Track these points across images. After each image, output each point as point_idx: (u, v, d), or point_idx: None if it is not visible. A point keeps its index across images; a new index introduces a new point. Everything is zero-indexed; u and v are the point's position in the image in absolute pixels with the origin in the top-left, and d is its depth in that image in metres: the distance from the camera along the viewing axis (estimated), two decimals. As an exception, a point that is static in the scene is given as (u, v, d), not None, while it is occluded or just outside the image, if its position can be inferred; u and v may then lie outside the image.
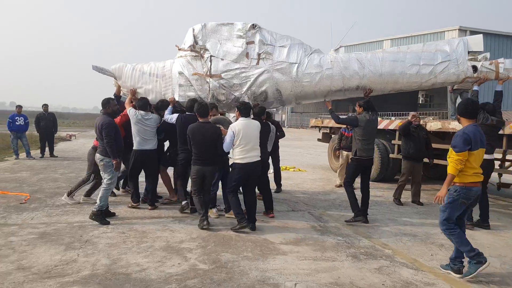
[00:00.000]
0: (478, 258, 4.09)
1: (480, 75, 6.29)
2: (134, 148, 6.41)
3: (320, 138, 13.48)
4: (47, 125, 13.45)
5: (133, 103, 6.60)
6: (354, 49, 27.33)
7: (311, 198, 7.80)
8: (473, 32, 18.72)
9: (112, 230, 5.36)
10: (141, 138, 6.40)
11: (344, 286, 3.82)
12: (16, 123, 12.82)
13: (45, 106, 13.79)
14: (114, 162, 5.82)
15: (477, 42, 6.53)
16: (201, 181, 5.68)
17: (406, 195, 7.86)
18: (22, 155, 13.19)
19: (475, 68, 6.28)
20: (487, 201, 6.14)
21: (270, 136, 6.98)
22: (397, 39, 23.00)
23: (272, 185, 7.57)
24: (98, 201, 5.74)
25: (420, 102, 10.69)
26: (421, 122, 7.71)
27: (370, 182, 6.42)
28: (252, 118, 5.93)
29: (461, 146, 4.03)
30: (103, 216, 5.72)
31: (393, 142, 9.38)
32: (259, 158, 5.68)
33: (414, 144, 7.43)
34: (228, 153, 5.91)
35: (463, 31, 18.59)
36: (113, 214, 6.02)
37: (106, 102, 6.08)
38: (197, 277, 3.90)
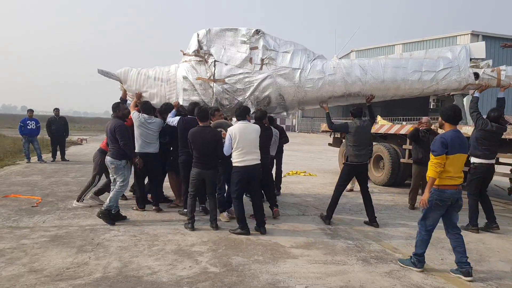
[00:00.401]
0: (418, 263, 4.42)
1: (482, 82, 6.29)
2: (136, 151, 6.48)
3: (331, 142, 13.46)
4: (58, 129, 13.60)
5: (138, 107, 6.71)
6: (366, 53, 27.28)
7: (321, 203, 7.79)
8: (486, 37, 18.60)
9: (123, 233, 5.41)
10: (143, 141, 6.51)
11: (354, 290, 3.81)
12: (28, 127, 12.99)
13: (56, 110, 13.96)
14: (137, 160, 6.11)
15: (479, 49, 6.54)
16: (200, 184, 5.79)
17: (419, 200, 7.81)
18: (34, 159, 13.36)
19: (476, 75, 6.28)
20: (490, 203, 6.16)
21: (273, 140, 7.12)
22: (409, 43, 22.91)
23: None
24: (108, 201, 5.86)
25: (431, 107, 10.68)
26: (433, 126, 7.65)
27: (380, 187, 6.41)
28: (254, 123, 6.01)
29: (439, 150, 4.23)
30: (110, 216, 5.84)
31: (404, 147, 9.34)
32: (258, 162, 5.72)
33: (423, 148, 7.39)
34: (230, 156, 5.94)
35: (475, 35, 18.48)
36: (124, 218, 6.07)
37: (116, 106, 6.27)
38: (208, 280, 3.92)
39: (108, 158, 6.02)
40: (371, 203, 6.26)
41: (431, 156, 4.28)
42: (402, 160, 9.51)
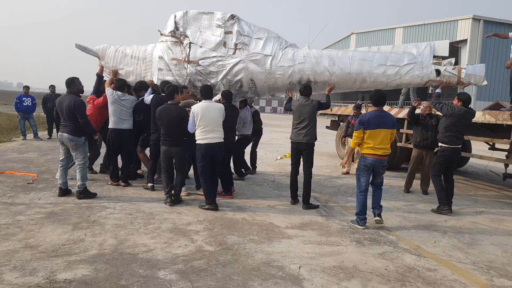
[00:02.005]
0: (360, 221, 5.25)
1: (443, 79, 6.47)
2: (110, 127, 6.66)
3: (329, 125, 13.48)
4: (54, 106, 13.47)
5: (113, 84, 6.80)
6: (366, 36, 27.02)
7: (317, 185, 7.83)
8: (487, 22, 18.40)
9: (119, 211, 5.42)
10: (117, 118, 6.62)
11: (347, 270, 3.86)
12: (24, 103, 12.89)
13: (52, 87, 13.80)
14: (97, 137, 6.22)
15: (443, 47, 6.70)
16: (169, 161, 5.96)
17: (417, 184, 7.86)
18: (30, 136, 13.29)
19: (438, 72, 6.45)
20: (452, 188, 6.35)
21: (248, 120, 7.73)
22: (409, 27, 22.65)
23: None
24: (79, 181, 5.95)
25: (430, 92, 10.65)
26: (433, 111, 7.64)
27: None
28: (223, 102, 6.26)
29: (357, 126, 5.33)
30: (89, 191, 6.06)
31: (401, 131, 9.35)
32: (221, 140, 5.83)
33: (421, 132, 7.41)
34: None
35: (476, 20, 18.28)
36: (94, 195, 6.13)
37: (71, 81, 6.11)
38: (203, 258, 3.96)
39: (66, 135, 5.93)
40: (308, 183, 6.13)
41: (354, 131, 5.35)
42: (398, 144, 9.53)
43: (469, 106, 6.21)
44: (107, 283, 3.35)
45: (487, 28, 18.30)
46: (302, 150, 6.16)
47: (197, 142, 5.77)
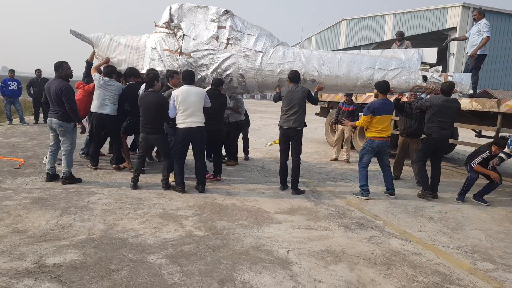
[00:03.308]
0: (364, 191, 6.10)
1: (429, 85, 6.53)
2: (91, 110, 6.73)
3: (318, 112, 13.51)
4: (40, 91, 13.22)
5: (102, 71, 6.82)
6: (357, 22, 26.93)
7: (306, 171, 7.88)
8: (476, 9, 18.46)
9: (108, 196, 5.41)
10: (100, 102, 6.66)
11: (334, 254, 3.92)
12: (9, 87, 12.67)
13: (38, 71, 13.56)
14: (80, 126, 6.13)
15: (431, 55, 6.78)
16: (146, 147, 6.14)
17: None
18: (16, 120, 13.09)
19: (425, 78, 6.52)
20: (438, 175, 6.44)
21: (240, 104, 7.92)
22: (400, 14, 22.61)
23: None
24: (65, 168, 5.91)
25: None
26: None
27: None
28: (211, 89, 6.37)
29: (365, 112, 6.10)
30: (74, 176, 6.04)
31: None
32: (201, 124, 5.87)
33: (405, 120, 7.44)
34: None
35: (466, 7, 18.31)
36: (79, 180, 6.10)
37: (59, 65, 6.01)
38: (192, 243, 3.98)
39: (54, 121, 5.86)
40: (297, 168, 6.21)
41: (362, 115, 6.19)
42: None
43: (452, 95, 6.28)
44: (97, 268, 3.36)
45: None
46: (291, 137, 6.19)
47: (177, 126, 5.83)
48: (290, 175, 6.30)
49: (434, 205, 5.97)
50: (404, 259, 3.91)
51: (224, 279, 3.28)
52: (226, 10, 6.87)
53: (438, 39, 18.57)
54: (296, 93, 6.09)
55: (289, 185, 6.29)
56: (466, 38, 8.62)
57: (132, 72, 6.87)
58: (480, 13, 8.06)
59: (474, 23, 8.24)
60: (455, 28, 18.57)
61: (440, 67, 6.85)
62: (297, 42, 7.53)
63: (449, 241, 4.50)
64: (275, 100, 6.52)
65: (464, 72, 8.63)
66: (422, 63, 6.69)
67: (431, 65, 6.89)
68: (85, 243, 3.84)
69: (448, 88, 6.20)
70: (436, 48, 6.91)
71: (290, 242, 4.15)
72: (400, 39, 10.15)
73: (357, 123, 6.44)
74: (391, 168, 7.69)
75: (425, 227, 4.92)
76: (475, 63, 8.10)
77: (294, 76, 6.20)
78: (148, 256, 3.63)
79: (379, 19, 24.35)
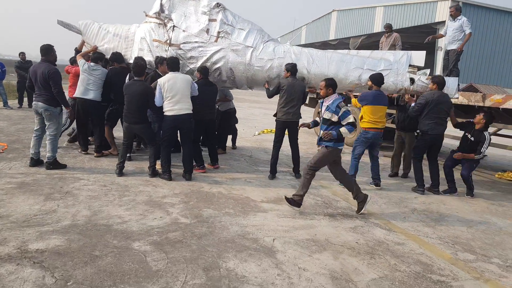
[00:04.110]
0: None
1: (416, 88, 6.55)
2: (75, 95, 6.67)
3: (307, 102, 13.50)
4: (27, 74, 13.01)
5: (89, 58, 6.77)
6: (347, 13, 26.87)
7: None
8: (466, 4, 18.52)
9: (93, 183, 5.36)
10: (84, 88, 6.59)
11: (319, 243, 3.96)
12: (-8, 71, 12.37)
13: (22, 54, 13.27)
14: (68, 110, 6.14)
15: (419, 57, 6.83)
16: (130, 135, 6.09)
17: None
18: (-1, 104, 12.84)
19: (412, 81, 6.55)
20: (436, 169, 6.45)
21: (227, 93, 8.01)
22: (390, 6, 22.62)
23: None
24: (49, 153, 5.82)
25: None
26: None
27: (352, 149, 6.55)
28: (201, 78, 6.33)
29: (360, 101, 6.25)
30: (57, 162, 5.95)
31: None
32: (189, 112, 5.85)
33: (400, 115, 7.39)
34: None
35: (455, 2, 18.42)
36: (64, 166, 6.03)
37: (48, 48, 5.90)
38: (178, 230, 3.98)
39: (41, 105, 5.76)
40: (298, 156, 6.63)
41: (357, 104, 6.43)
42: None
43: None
44: (81, 254, 3.33)
45: (465, 10, 18.50)
46: (289, 128, 6.35)
47: (164, 114, 5.79)
48: (280, 165, 6.29)
49: (418, 197, 6.06)
50: (387, 248, 3.97)
51: (209, 267, 3.29)
52: (217, 3, 6.79)
53: (427, 32, 18.65)
54: (297, 87, 6.21)
55: (277, 174, 6.30)
56: (443, 36, 8.71)
57: (116, 57, 6.79)
58: (457, 10, 8.15)
59: (451, 19, 8.30)
60: (443, 22, 18.69)
61: (427, 70, 6.84)
62: (287, 32, 7.47)
63: (431, 232, 4.58)
64: (271, 96, 6.50)
65: (443, 67, 8.71)
66: (410, 65, 6.72)
67: (419, 68, 6.92)
68: (69, 229, 3.81)
69: (443, 81, 6.20)
70: (425, 52, 6.95)
71: (276, 231, 4.18)
72: (388, 31, 10.19)
73: (352, 101, 6.67)
74: (391, 166, 7.69)
75: (408, 218, 5.00)
76: (456, 57, 8.19)
77: (294, 69, 6.24)
78: (133, 243, 3.62)
79: (370, 11, 24.34)
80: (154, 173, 5.90)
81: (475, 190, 6.46)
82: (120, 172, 5.82)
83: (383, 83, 6.20)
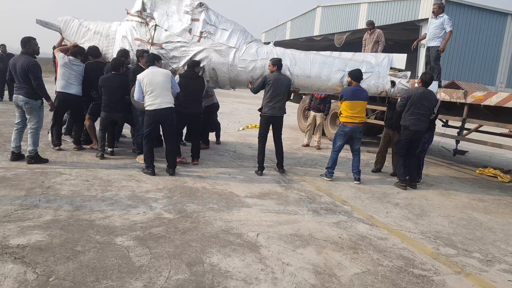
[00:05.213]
0: (328, 174, 6.43)
1: (397, 91, 6.63)
2: (57, 90, 6.60)
3: (291, 98, 13.54)
4: (5, 67, 12.69)
5: (68, 52, 6.70)
6: (332, 9, 26.99)
7: (277, 155, 7.92)
8: (449, 2, 18.80)
9: (75, 177, 5.28)
10: (65, 82, 6.54)
11: (303, 237, 3.99)
12: (-29, 63, 12.05)
13: (3, 46, 12.94)
14: (49, 103, 6.05)
15: (400, 60, 7.03)
16: (107, 124, 6.32)
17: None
18: (-22, 97, 12.53)
19: (393, 83, 6.64)
20: (414, 164, 6.53)
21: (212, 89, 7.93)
22: (374, 3, 22.79)
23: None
24: (31, 146, 5.74)
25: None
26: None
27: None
28: (188, 71, 6.35)
29: (340, 99, 6.32)
30: (39, 156, 5.87)
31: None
32: (170, 105, 5.83)
33: (389, 112, 7.41)
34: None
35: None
36: (46, 160, 5.94)
37: (27, 41, 5.79)
38: (162, 226, 3.96)
39: (21, 98, 5.66)
40: (282, 151, 6.65)
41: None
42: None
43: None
44: (62, 249, 3.29)
45: (449, 8, 18.77)
46: (274, 123, 6.40)
47: (145, 108, 5.76)
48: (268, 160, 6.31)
49: (400, 192, 6.15)
50: (370, 243, 4.03)
51: (193, 262, 3.29)
52: (200, 2, 6.74)
53: (411, 29, 18.89)
54: (283, 81, 6.25)
55: (266, 170, 6.33)
56: (425, 37, 8.81)
57: (92, 50, 6.70)
58: (440, 7, 8.24)
59: (433, 16, 8.42)
60: (427, 19, 18.93)
61: (408, 73, 6.91)
62: (271, 28, 7.47)
63: (413, 226, 4.66)
64: (256, 91, 6.50)
65: (425, 63, 8.83)
66: (391, 68, 6.79)
67: (400, 70, 6.99)
68: (50, 224, 3.76)
69: (429, 79, 6.26)
70: (406, 54, 7.07)
71: (260, 226, 4.19)
72: (371, 28, 10.27)
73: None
74: (375, 161, 7.72)
75: (391, 213, 5.07)
76: (436, 54, 8.30)
77: (280, 63, 6.27)
78: (116, 238, 3.59)
79: (354, 8, 24.50)
80: (103, 157, 6.28)
81: (456, 186, 6.58)
82: (102, 156, 6.18)
83: (362, 78, 6.27)
